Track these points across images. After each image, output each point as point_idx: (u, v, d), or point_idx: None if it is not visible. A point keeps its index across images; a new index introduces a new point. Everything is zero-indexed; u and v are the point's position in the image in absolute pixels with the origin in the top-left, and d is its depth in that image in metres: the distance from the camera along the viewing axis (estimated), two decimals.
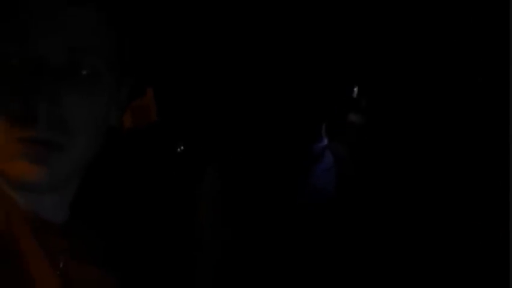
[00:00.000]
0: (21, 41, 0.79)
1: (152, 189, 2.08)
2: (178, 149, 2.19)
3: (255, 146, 1.93)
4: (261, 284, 1.83)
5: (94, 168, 0.88)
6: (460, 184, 1.97)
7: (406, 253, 1.87)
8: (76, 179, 0.88)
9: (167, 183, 2.08)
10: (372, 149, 2.02)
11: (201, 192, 1.91)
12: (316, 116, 1.93)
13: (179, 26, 2.04)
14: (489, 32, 1.97)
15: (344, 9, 1.87)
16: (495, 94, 1.95)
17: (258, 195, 1.87)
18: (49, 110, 0.79)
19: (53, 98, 0.79)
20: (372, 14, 1.95)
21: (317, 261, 1.87)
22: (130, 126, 2.21)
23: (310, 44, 1.87)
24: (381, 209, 1.92)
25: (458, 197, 1.95)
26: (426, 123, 2.05)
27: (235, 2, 1.94)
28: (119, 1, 0.87)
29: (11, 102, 0.79)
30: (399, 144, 2.03)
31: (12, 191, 0.83)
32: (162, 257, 1.95)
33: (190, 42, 2.05)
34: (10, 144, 0.79)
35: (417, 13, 2.02)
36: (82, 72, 0.82)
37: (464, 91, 2.04)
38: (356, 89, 1.87)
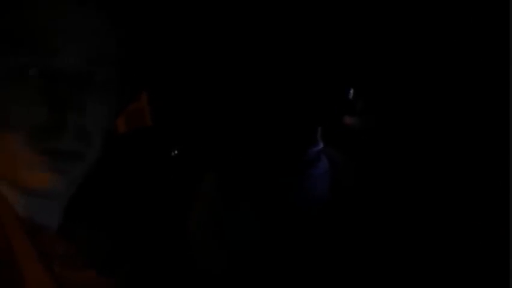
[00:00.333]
0: (42, 53, 0.79)
1: (146, 192, 2.07)
2: (173, 153, 2.18)
3: (249, 149, 1.92)
4: (258, 285, 1.83)
5: (90, 172, 0.88)
6: (459, 184, 1.97)
7: (403, 257, 1.87)
8: None
9: (162, 187, 2.07)
10: (368, 152, 2.02)
11: (196, 196, 1.91)
12: (311, 120, 1.93)
13: (175, 30, 2.04)
14: (489, 32, 1.97)
15: (338, 10, 1.87)
16: (495, 95, 1.95)
17: (254, 199, 1.87)
18: (76, 121, 0.79)
19: (79, 109, 0.80)
20: (367, 15, 1.95)
21: (313, 264, 1.87)
22: (124, 131, 2.21)
23: (305, 47, 1.86)
24: (378, 214, 1.91)
25: (457, 198, 1.95)
26: (424, 126, 2.05)
27: (229, 10, 1.95)
28: (120, 5, 0.88)
29: (35, 114, 0.79)
30: (396, 147, 2.03)
31: (9, 194, 0.83)
32: (158, 260, 1.95)
33: (185, 46, 2.05)
34: (32, 155, 0.80)
35: (415, 13, 2.02)
36: (97, 80, 0.83)
37: (462, 93, 2.04)
38: (351, 92, 1.87)
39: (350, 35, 1.91)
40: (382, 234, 1.88)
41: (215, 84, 2.10)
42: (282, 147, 1.94)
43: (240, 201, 1.85)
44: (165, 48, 2.13)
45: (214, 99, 2.11)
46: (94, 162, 0.84)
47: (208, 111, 2.14)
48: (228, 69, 2.01)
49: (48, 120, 0.80)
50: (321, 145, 1.99)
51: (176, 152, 2.20)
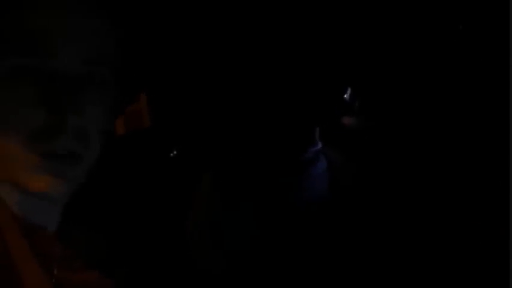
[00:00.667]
0: (40, 54, 0.80)
1: (145, 193, 2.07)
2: (171, 154, 2.18)
3: (247, 149, 1.92)
4: (257, 285, 1.83)
5: (89, 173, 0.88)
6: (459, 184, 1.97)
7: (403, 256, 1.87)
8: None
9: (160, 188, 2.07)
10: (367, 152, 2.02)
11: (194, 197, 1.91)
12: (309, 120, 1.93)
13: (174, 31, 2.04)
14: (488, 33, 1.98)
15: (335, 11, 1.87)
16: (495, 94, 1.95)
17: (252, 199, 1.87)
18: (75, 122, 0.79)
19: (78, 110, 0.80)
20: (364, 15, 1.95)
21: (312, 264, 1.87)
22: (123, 132, 2.21)
23: (303, 47, 1.86)
24: (377, 213, 1.91)
25: (456, 197, 1.95)
26: (423, 126, 2.05)
27: (228, 10, 1.95)
28: (120, 5, 0.88)
29: (34, 115, 0.79)
30: (395, 147, 2.03)
31: (8, 195, 0.83)
32: (157, 260, 1.95)
33: (184, 46, 2.05)
34: (31, 157, 0.80)
35: (412, 14, 2.02)
36: (95, 81, 0.83)
37: (461, 92, 2.04)
38: (349, 92, 1.87)
39: (348, 35, 1.91)
40: (381, 234, 1.88)
41: (214, 84, 2.10)
42: (280, 147, 1.94)
43: (238, 201, 1.85)
44: (164, 49, 2.13)
45: (212, 99, 2.11)
46: (92, 164, 0.84)
47: (207, 111, 2.14)
48: (227, 69, 2.01)
49: (47, 122, 0.80)
50: (319, 145, 1.99)
51: (175, 152, 2.20)
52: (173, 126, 2.25)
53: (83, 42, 0.82)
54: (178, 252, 1.89)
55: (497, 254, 1.77)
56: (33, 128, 0.80)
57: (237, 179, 1.88)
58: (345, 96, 1.96)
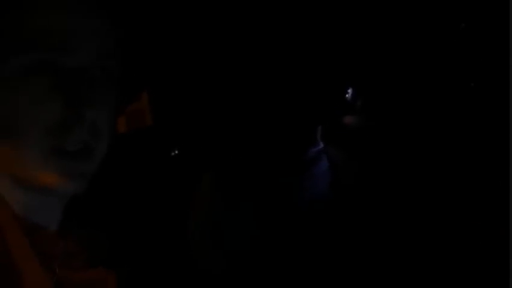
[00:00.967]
0: (57, 49, 0.81)
1: (146, 192, 2.07)
2: (172, 153, 2.18)
3: (249, 149, 1.92)
4: (257, 285, 1.83)
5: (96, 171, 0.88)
6: (459, 182, 1.96)
7: (404, 255, 1.86)
8: None
9: (161, 187, 2.07)
10: (368, 151, 2.01)
11: (195, 197, 1.91)
12: (311, 119, 1.92)
13: (175, 30, 2.04)
14: (487, 35, 1.97)
15: (337, 10, 1.87)
16: (494, 93, 1.95)
17: (254, 198, 1.86)
18: (90, 116, 0.80)
19: (92, 103, 0.81)
20: (366, 15, 1.95)
21: (313, 263, 1.87)
22: (125, 131, 2.21)
23: (303, 47, 1.86)
24: (378, 212, 1.91)
25: (456, 195, 1.95)
26: (423, 125, 2.04)
27: (229, 11, 1.95)
28: (124, 6, 0.89)
29: (49, 110, 0.80)
30: (396, 146, 2.03)
31: (10, 193, 0.83)
32: (158, 259, 1.95)
33: (186, 46, 2.05)
34: (41, 153, 0.80)
35: (413, 14, 2.02)
36: (106, 75, 0.83)
37: (461, 92, 2.03)
38: (350, 91, 1.87)
39: (349, 36, 1.91)
40: (382, 232, 1.88)
41: (215, 85, 2.10)
42: (282, 147, 1.95)
43: (239, 201, 1.85)
44: (166, 49, 2.13)
45: (214, 99, 2.11)
46: (101, 159, 0.84)
47: (208, 111, 2.15)
48: (229, 70, 2.02)
49: (64, 114, 0.80)
50: (321, 145, 2.00)
51: (176, 152, 2.21)
52: (175, 126, 2.25)
53: (94, 39, 0.83)
54: (179, 251, 1.89)
55: (497, 254, 1.77)
56: (50, 121, 0.80)
57: (238, 179, 1.88)
58: (347, 95, 1.96)
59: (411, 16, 2.02)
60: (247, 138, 1.95)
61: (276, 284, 1.83)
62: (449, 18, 2.04)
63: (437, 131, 2.05)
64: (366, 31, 1.96)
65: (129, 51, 0.93)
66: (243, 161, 1.91)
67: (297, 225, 1.88)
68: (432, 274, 1.86)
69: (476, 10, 1.99)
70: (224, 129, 2.03)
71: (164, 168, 2.15)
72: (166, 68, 2.11)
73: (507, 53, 1.80)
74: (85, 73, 0.82)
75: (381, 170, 1.99)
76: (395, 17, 2.00)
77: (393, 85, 2.07)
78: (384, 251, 1.86)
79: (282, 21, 1.88)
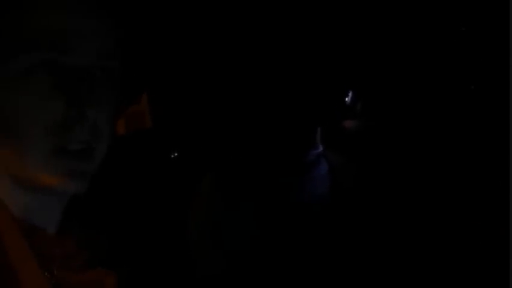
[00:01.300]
0: (59, 49, 0.81)
1: (146, 193, 2.07)
2: (172, 155, 2.18)
3: (249, 151, 1.92)
4: (256, 285, 1.83)
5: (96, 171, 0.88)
6: (458, 186, 1.96)
7: (402, 257, 1.86)
8: None
9: (161, 189, 2.07)
10: (367, 155, 2.01)
11: (195, 197, 1.90)
12: (311, 122, 1.92)
13: (174, 32, 2.04)
14: (487, 38, 1.97)
15: (336, 13, 1.87)
16: (494, 98, 1.95)
17: (253, 199, 1.86)
18: (91, 116, 0.80)
19: (93, 103, 0.81)
20: (365, 18, 1.95)
21: (312, 264, 1.86)
22: (124, 133, 2.21)
23: (304, 50, 1.86)
24: (377, 215, 1.91)
25: (455, 199, 1.95)
26: (423, 129, 2.04)
27: (229, 14, 1.95)
28: (124, 6, 0.89)
29: (50, 110, 0.80)
30: (395, 150, 2.03)
31: (9, 194, 0.82)
32: (157, 260, 1.94)
33: (186, 48, 2.05)
34: (42, 153, 0.80)
35: (413, 19, 2.02)
36: (104, 76, 0.84)
37: (461, 96, 2.03)
38: (350, 95, 1.87)
39: (350, 40, 1.91)
40: (381, 235, 1.88)
41: (216, 87, 2.10)
42: (282, 149, 1.95)
43: (239, 201, 1.85)
44: (166, 51, 2.13)
45: (214, 101, 2.11)
46: (101, 159, 0.84)
47: (209, 113, 2.15)
48: (229, 72, 2.02)
49: (65, 114, 0.80)
50: (320, 148, 2.00)
51: (176, 154, 2.21)
52: (175, 128, 2.25)
53: (95, 39, 0.83)
54: (179, 251, 1.89)
55: (497, 254, 1.77)
56: (50, 121, 0.80)
57: (238, 180, 1.88)
58: (347, 99, 1.96)
59: (412, 21, 2.02)
60: (247, 140, 1.95)
61: (275, 284, 1.82)
62: (450, 22, 2.04)
63: (436, 135, 2.05)
64: (367, 36, 1.96)
65: (129, 51, 0.93)
66: (243, 161, 1.91)
67: (296, 226, 1.88)
68: (431, 276, 1.86)
69: (476, 14, 1.99)
70: (224, 130, 2.03)
71: (163, 169, 2.15)
72: (166, 70, 2.11)
73: (507, 56, 1.80)
74: (85, 73, 0.82)
75: (380, 174, 1.99)
76: (396, 22, 2.01)
77: (392, 89, 2.07)
78: (383, 253, 1.86)
79: (283, 25, 1.88)
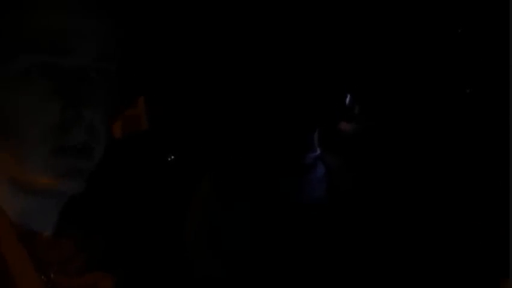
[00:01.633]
0: (57, 51, 0.81)
1: (143, 196, 2.07)
2: (169, 158, 2.18)
3: (247, 153, 1.92)
4: (253, 286, 1.82)
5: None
6: (456, 188, 1.96)
7: (399, 259, 1.86)
8: None
9: (158, 191, 2.07)
10: (364, 158, 2.01)
11: (192, 198, 1.90)
12: (309, 125, 1.92)
13: (172, 34, 2.03)
14: (484, 40, 1.97)
15: (334, 17, 1.87)
16: (493, 104, 1.95)
17: (250, 200, 1.86)
18: (88, 117, 0.80)
19: (90, 104, 0.81)
20: (364, 21, 1.95)
21: (308, 268, 1.86)
22: (120, 135, 2.21)
23: (301, 52, 1.86)
24: (374, 217, 1.91)
25: (453, 200, 1.95)
26: (420, 132, 2.04)
27: (228, 18, 1.95)
28: (123, 6, 0.89)
29: (48, 111, 0.80)
30: (392, 153, 2.03)
31: (6, 198, 0.82)
32: (154, 262, 1.94)
33: (183, 52, 2.05)
34: (41, 154, 0.80)
35: (410, 22, 2.02)
36: (103, 77, 0.84)
37: (458, 99, 2.04)
38: (348, 98, 1.87)
39: (348, 43, 1.91)
40: (378, 238, 1.88)
41: (213, 89, 2.10)
42: (280, 151, 1.95)
43: (236, 201, 1.85)
44: (163, 54, 2.13)
45: (212, 104, 2.11)
46: (99, 160, 0.84)
47: (207, 116, 2.14)
48: (227, 74, 2.01)
49: (63, 115, 0.80)
50: (318, 151, 2.00)
51: (172, 157, 2.20)
52: (172, 131, 2.25)
53: (94, 40, 0.83)
54: (176, 253, 1.88)
55: (497, 254, 1.77)
56: (49, 122, 0.80)
57: (235, 181, 1.88)
58: (345, 102, 1.96)
59: (409, 24, 2.02)
60: (244, 141, 1.95)
61: (272, 286, 1.82)
62: (446, 24, 2.04)
63: (433, 138, 2.05)
64: (365, 39, 1.96)
65: (128, 53, 0.93)
66: (241, 163, 1.91)
67: (292, 228, 1.88)
68: (430, 277, 1.86)
69: (473, 15, 1.99)
70: (222, 132, 2.03)
71: (160, 172, 2.14)
72: (163, 73, 2.11)
73: (504, 59, 1.80)
74: (84, 74, 0.82)
75: (377, 177, 1.99)
76: (393, 25, 2.01)
77: (389, 92, 2.07)
78: (380, 255, 1.86)
79: (282, 28, 1.88)
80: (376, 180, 1.98)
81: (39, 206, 0.84)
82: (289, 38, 1.89)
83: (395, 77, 2.07)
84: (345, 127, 1.99)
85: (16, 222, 0.82)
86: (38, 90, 0.80)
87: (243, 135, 1.98)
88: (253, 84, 1.95)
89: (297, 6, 1.88)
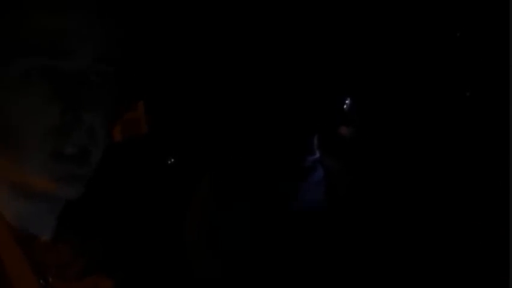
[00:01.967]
0: (56, 53, 0.80)
1: (142, 199, 2.07)
2: (169, 162, 2.18)
3: (246, 156, 1.92)
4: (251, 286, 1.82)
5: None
6: (453, 192, 1.96)
7: (397, 262, 1.86)
8: None
9: (157, 194, 2.07)
10: (363, 161, 2.02)
11: (191, 202, 1.91)
12: (309, 129, 1.92)
13: (171, 36, 2.04)
14: (483, 44, 1.97)
15: (334, 20, 1.87)
16: (493, 108, 1.95)
17: (249, 202, 1.86)
18: (89, 119, 0.80)
19: (90, 107, 0.81)
20: (362, 25, 1.96)
21: (306, 269, 1.86)
22: (120, 139, 2.21)
23: (301, 55, 1.86)
24: (372, 221, 1.91)
25: (451, 204, 1.95)
26: (419, 137, 2.04)
27: (223, 21, 1.95)
28: (123, 7, 0.89)
29: (50, 112, 0.80)
30: (390, 157, 2.03)
31: (4, 202, 0.82)
32: (153, 265, 1.94)
33: (182, 54, 2.05)
34: (40, 158, 0.80)
35: (409, 25, 2.02)
36: (102, 79, 0.83)
37: (457, 102, 2.04)
38: (348, 102, 1.87)
39: (347, 47, 1.91)
40: (376, 240, 1.88)
41: (213, 91, 2.10)
42: (279, 153, 1.95)
43: (235, 202, 1.86)
44: (163, 56, 2.13)
45: (211, 107, 2.12)
46: (97, 164, 0.84)
47: (206, 119, 2.15)
48: (227, 76, 2.02)
49: (62, 118, 0.80)
50: (317, 154, 2.00)
51: (172, 160, 2.20)
52: (172, 134, 2.25)
53: (94, 41, 0.83)
54: (175, 255, 1.88)
55: (497, 254, 1.77)
56: (48, 126, 0.80)
57: (234, 183, 1.88)
58: (344, 107, 1.97)
59: (408, 28, 2.02)
60: (244, 144, 1.95)
61: (271, 286, 1.82)
62: (445, 27, 2.04)
63: (432, 142, 2.05)
64: (364, 43, 1.96)
65: (127, 55, 0.93)
66: (240, 165, 1.91)
67: (291, 230, 1.88)
68: (427, 280, 1.86)
69: (471, 19, 1.99)
70: (221, 135, 2.03)
71: (160, 175, 2.14)
72: (162, 75, 2.11)
73: (503, 62, 1.80)
74: (84, 77, 0.81)
75: (375, 180, 1.99)
76: (392, 28, 2.01)
77: (388, 96, 2.07)
78: (378, 258, 1.86)
79: (281, 32, 1.88)
80: (374, 183, 1.98)
81: (38, 209, 0.84)
82: (289, 42, 1.89)
83: (395, 81, 2.07)
84: (344, 131, 1.99)
85: (15, 226, 0.82)
86: (37, 93, 0.80)
87: (243, 138, 1.98)
88: (253, 88, 1.95)
89: (298, 11, 1.88)
